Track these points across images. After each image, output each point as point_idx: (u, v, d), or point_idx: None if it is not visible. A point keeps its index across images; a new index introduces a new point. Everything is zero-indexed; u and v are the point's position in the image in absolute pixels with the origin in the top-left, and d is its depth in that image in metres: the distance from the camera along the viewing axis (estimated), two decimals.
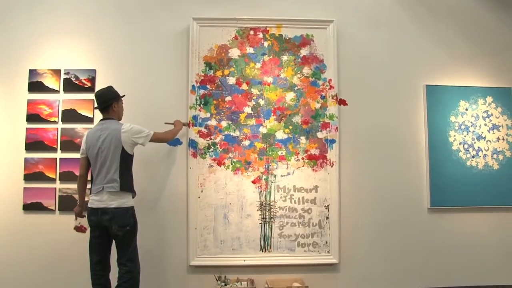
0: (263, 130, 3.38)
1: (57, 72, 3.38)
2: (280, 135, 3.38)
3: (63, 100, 3.37)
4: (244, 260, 3.27)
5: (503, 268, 3.50)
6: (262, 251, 3.30)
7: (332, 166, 3.37)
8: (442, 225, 3.48)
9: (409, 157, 3.50)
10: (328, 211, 3.35)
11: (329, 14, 3.53)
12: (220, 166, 3.33)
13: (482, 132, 3.56)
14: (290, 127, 3.39)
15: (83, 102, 3.36)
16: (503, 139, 3.58)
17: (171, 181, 3.31)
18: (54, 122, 3.34)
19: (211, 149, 3.34)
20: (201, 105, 3.36)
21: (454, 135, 3.53)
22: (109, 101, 2.92)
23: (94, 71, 3.40)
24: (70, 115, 3.35)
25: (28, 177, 3.29)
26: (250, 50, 3.43)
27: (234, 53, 3.42)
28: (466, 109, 3.56)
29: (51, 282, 3.22)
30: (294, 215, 3.34)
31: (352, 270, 3.37)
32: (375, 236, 3.42)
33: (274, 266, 3.28)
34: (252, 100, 3.39)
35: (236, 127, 3.37)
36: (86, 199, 2.95)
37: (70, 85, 3.38)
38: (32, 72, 3.37)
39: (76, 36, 3.42)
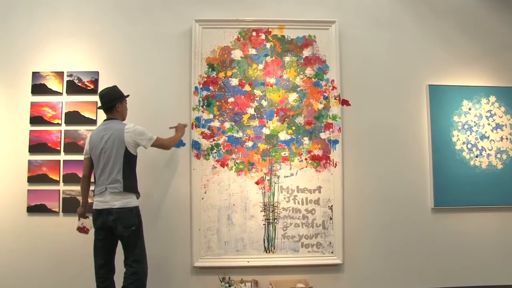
0: (266, 131, 3.38)
1: (60, 74, 3.39)
2: (283, 136, 3.38)
3: (66, 102, 3.38)
4: (248, 261, 3.27)
5: (507, 268, 3.49)
6: (266, 252, 3.30)
7: (335, 167, 3.37)
8: (445, 225, 3.47)
9: (412, 157, 3.49)
10: (332, 211, 3.35)
11: (331, 14, 3.53)
12: (224, 167, 3.33)
13: (486, 132, 3.55)
14: (293, 128, 3.39)
15: (86, 104, 3.37)
16: (507, 138, 3.57)
17: (174, 182, 3.31)
18: (58, 124, 3.35)
19: (214, 150, 3.34)
20: (204, 107, 3.37)
21: (458, 135, 3.52)
22: (113, 101, 2.89)
23: (97, 73, 3.41)
24: (73, 117, 3.36)
25: (31, 179, 3.29)
26: (252, 51, 3.43)
27: (237, 54, 3.42)
28: (469, 109, 3.56)
29: (55, 284, 3.23)
30: (298, 216, 3.34)
31: (356, 271, 3.37)
32: (379, 236, 3.41)
33: (278, 267, 3.28)
34: (255, 101, 3.40)
35: (239, 128, 3.37)
36: (89, 200, 2.95)
37: (73, 87, 3.38)
38: (35, 75, 3.38)
39: (78, 38, 3.43)
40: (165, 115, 3.35)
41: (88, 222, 2.87)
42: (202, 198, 3.30)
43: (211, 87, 3.39)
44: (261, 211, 3.32)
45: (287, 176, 3.36)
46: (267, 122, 3.39)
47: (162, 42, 3.45)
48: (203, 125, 3.35)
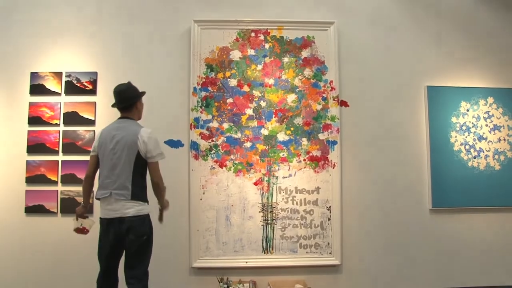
0: (264, 132, 3.38)
1: (58, 74, 3.39)
2: (282, 136, 3.39)
3: (65, 102, 3.37)
4: (246, 262, 3.27)
5: (505, 269, 3.50)
6: (264, 253, 3.30)
7: (333, 168, 3.38)
8: (444, 226, 3.48)
9: (410, 158, 3.50)
10: (330, 212, 3.35)
11: (330, 15, 3.53)
12: (222, 168, 3.33)
13: (484, 133, 3.56)
14: (292, 129, 3.40)
15: (84, 104, 3.37)
16: (504, 139, 3.58)
17: (173, 183, 3.29)
18: (56, 124, 3.35)
19: (213, 151, 3.34)
20: (203, 107, 3.37)
21: (456, 136, 3.53)
22: (133, 99, 2.68)
23: (96, 73, 3.40)
24: (72, 118, 3.35)
25: (30, 180, 3.29)
26: (251, 52, 3.44)
27: (236, 55, 3.43)
28: (467, 110, 3.57)
29: (54, 284, 3.23)
30: (296, 217, 3.34)
31: (354, 271, 3.37)
32: (377, 237, 3.42)
33: (276, 267, 3.29)
34: (254, 102, 3.40)
35: (238, 129, 3.37)
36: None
37: (72, 88, 3.38)
38: (34, 75, 3.37)
39: (77, 39, 3.43)
40: (164, 115, 3.35)
41: (88, 222, 2.77)
42: (201, 199, 3.30)
43: (209, 88, 3.39)
44: (259, 211, 3.33)
45: (286, 177, 3.36)
46: (266, 122, 3.39)
47: (161, 42, 3.45)
48: (202, 125, 3.35)
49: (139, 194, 2.58)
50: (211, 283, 3.21)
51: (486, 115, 3.58)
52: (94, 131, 3.32)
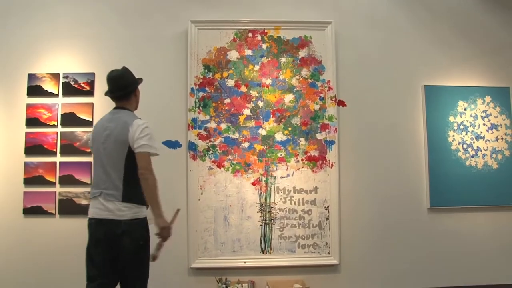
0: (262, 132, 3.38)
1: (56, 76, 3.38)
2: (280, 136, 3.39)
3: (62, 104, 3.37)
4: (245, 262, 3.27)
5: (503, 268, 3.51)
6: (263, 253, 3.30)
7: (331, 167, 3.38)
8: (442, 225, 3.48)
9: (408, 158, 3.50)
10: (328, 212, 3.35)
11: (327, 15, 3.54)
12: (220, 168, 3.33)
13: (481, 132, 3.57)
14: (290, 129, 3.40)
15: (82, 105, 3.36)
16: (502, 138, 3.59)
17: (171, 183, 3.31)
18: (54, 126, 3.34)
19: (211, 152, 3.34)
20: (200, 108, 3.37)
21: (453, 135, 3.53)
22: (130, 87, 2.43)
23: (93, 74, 3.40)
24: (69, 119, 3.35)
25: (28, 181, 3.29)
26: (248, 52, 3.44)
27: (233, 55, 3.42)
28: (465, 109, 3.57)
29: (52, 286, 3.22)
30: (294, 217, 3.35)
31: (353, 271, 3.38)
32: (375, 236, 3.42)
33: (275, 267, 3.29)
34: (251, 102, 3.40)
35: (236, 129, 3.37)
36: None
37: (69, 89, 3.38)
38: (31, 76, 3.37)
39: (74, 40, 3.42)
40: (161, 116, 3.35)
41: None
42: (199, 199, 3.30)
43: (207, 88, 3.39)
44: (257, 212, 3.33)
45: (284, 177, 3.37)
46: (263, 123, 3.39)
47: (158, 43, 3.45)
48: (199, 126, 3.35)
49: (132, 195, 2.30)
50: (209, 284, 3.21)
51: (483, 114, 3.59)
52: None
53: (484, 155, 3.55)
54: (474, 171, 3.52)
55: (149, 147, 2.32)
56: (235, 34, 3.44)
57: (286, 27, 3.47)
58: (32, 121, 3.34)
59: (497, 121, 3.60)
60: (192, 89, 3.37)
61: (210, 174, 3.32)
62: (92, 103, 3.37)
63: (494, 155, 3.56)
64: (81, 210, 3.19)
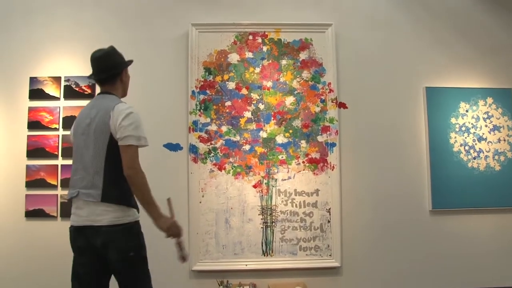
0: (263, 134, 3.38)
1: (57, 79, 3.40)
2: (281, 139, 3.38)
3: (64, 107, 3.38)
4: (246, 265, 3.27)
5: (506, 270, 3.48)
6: (264, 255, 3.30)
7: (332, 170, 3.37)
8: (444, 227, 3.47)
9: (410, 160, 3.49)
10: (330, 214, 3.34)
11: (328, 17, 3.53)
12: (221, 171, 3.34)
13: (483, 134, 3.55)
14: (290, 131, 3.39)
15: None
16: (504, 140, 3.57)
17: (172, 186, 3.31)
18: (55, 129, 3.36)
19: (212, 154, 3.34)
20: (201, 110, 3.37)
21: (455, 137, 3.52)
22: (116, 68, 2.13)
23: None
24: (71, 122, 3.29)
25: (29, 184, 3.30)
26: (249, 54, 3.44)
27: (233, 58, 3.43)
28: (467, 111, 3.56)
29: None
30: (296, 219, 3.34)
31: (354, 274, 3.37)
32: (377, 239, 3.41)
33: (276, 270, 3.28)
34: (252, 105, 3.40)
35: (237, 131, 3.37)
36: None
37: (71, 92, 3.39)
38: (33, 80, 3.39)
39: (76, 43, 3.44)
40: (162, 119, 3.36)
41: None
42: (200, 202, 3.30)
43: (208, 91, 3.39)
44: (258, 214, 3.32)
45: (285, 179, 3.36)
46: (264, 125, 3.39)
47: (159, 46, 3.46)
48: (200, 129, 3.36)
49: (114, 195, 1.94)
50: (211, 286, 3.21)
51: (485, 116, 3.57)
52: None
53: (486, 156, 3.53)
54: (477, 173, 3.50)
55: (135, 139, 1.95)
56: (235, 36, 3.44)
57: (286, 29, 3.47)
58: (33, 124, 3.35)
59: (499, 123, 3.58)
60: (193, 92, 3.37)
61: (211, 176, 3.32)
62: None
63: (496, 157, 3.54)
64: None
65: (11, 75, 3.40)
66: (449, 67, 3.61)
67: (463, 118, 3.54)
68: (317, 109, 3.42)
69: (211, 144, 3.35)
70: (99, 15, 3.48)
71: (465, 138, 3.52)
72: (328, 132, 3.41)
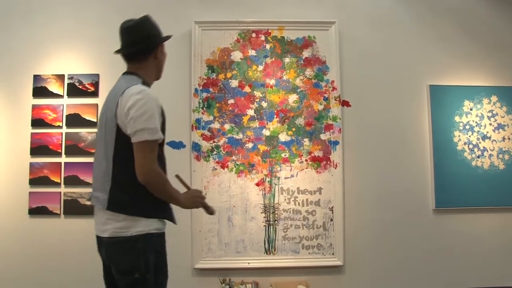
0: (266, 132, 3.37)
1: (61, 77, 3.41)
2: (283, 137, 3.38)
3: (67, 104, 3.39)
4: (249, 263, 3.27)
5: (509, 269, 3.46)
6: (267, 254, 3.29)
7: (335, 168, 3.36)
8: (447, 226, 3.45)
9: (413, 158, 3.48)
10: (332, 213, 3.34)
11: (331, 15, 3.52)
12: (224, 169, 3.33)
13: (487, 132, 3.53)
14: (293, 129, 3.39)
15: (87, 106, 3.38)
16: (509, 138, 3.54)
17: (174, 184, 3.30)
18: (59, 126, 3.37)
19: (215, 152, 3.34)
20: (204, 108, 3.37)
21: (459, 135, 3.50)
22: (148, 42, 1.74)
23: (98, 75, 3.42)
24: (74, 120, 3.37)
25: (33, 182, 3.31)
26: (252, 52, 3.43)
27: (237, 55, 3.42)
28: (471, 109, 3.54)
29: (57, 286, 3.24)
30: (298, 217, 3.34)
31: (357, 272, 3.36)
32: (379, 237, 3.40)
33: (279, 268, 3.28)
34: (255, 103, 3.39)
35: (239, 129, 3.37)
36: None
37: (74, 90, 3.40)
38: (36, 78, 3.40)
39: (79, 41, 3.44)
40: (165, 117, 3.35)
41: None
42: None
43: (211, 89, 3.39)
44: (261, 212, 3.32)
45: (288, 178, 3.36)
46: (267, 123, 3.38)
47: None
48: (203, 127, 3.35)
49: (121, 202, 1.61)
50: (213, 284, 3.21)
51: (490, 114, 3.55)
52: (96, 133, 3.33)
53: (490, 155, 3.51)
54: (481, 172, 3.48)
55: (149, 132, 1.58)
56: (238, 34, 3.44)
57: (289, 27, 3.46)
58: (37, 122, 3.36)
59: (504, 121, 3.55)
60: (196, 89, 3.37)
61: (214, 174, 3.32)
62: (97, 104, 3.38)
63: (500, 156, 3.52)
64: (86, 211, 3.21)
65: (15, 73, 3.41)
66: (453, 65, 3.59)
67: (467, 117, 3.52)
68: (320, 107, 3.41)
69: (214, 142, 3.35)
70: (102, 13, 3.48)
71: (469, 136, 3.50)
72: (331, 130, 3.40)
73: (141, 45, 1.76)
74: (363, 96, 3.49)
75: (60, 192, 3.31)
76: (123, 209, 1.61)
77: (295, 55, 3.45)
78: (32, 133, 3.36)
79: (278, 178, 3.35)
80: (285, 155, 3.36)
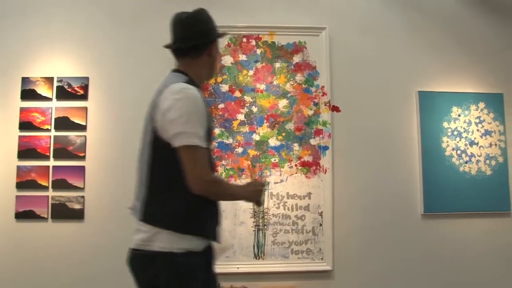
0: (256, 137, 3.38)
1: (50, 80, 3.38)
2: (273, 142, 3.39)
3: (56, 107, 3.36)
4: (238, 268, 3.26)
5: (497, 274, 3.50)
6: (256, 259, 3.29)
7: (325, 173, 3.37)
8: (435, 231, 3.48)
9: (402, 163, 3.50)
10: (322, 217, 3.35)
11: (322, 21, 3.54)
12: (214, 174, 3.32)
13: (475, 138, 3.57)
14: (283, 134, 3.40)
15: (76, 109, 3.36)
16: (496, 144, 3.59)
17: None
18: (47, 130, 3.33)
19: None
20: None
21: (447, 141, 3.53)
22: (206, 37, 1.62)
23: (87, 78, 3.40)
24: (63, 123, 3.34)
25: (20, 185, 3.27)
26: (243, 57, 3.44)
27: (227, 60, 3.43)
28: (459, 115, 3.58)
29: None
30: (288, 222, 3.34)
31: (346, 277, 3.36)
32: (368, 242, 3.41)
33: (268, 273, 3.28)
34: (245, 108, 3.40)
35: (229, 134, 3.37)
36: None
37: (63, 93, 3.37)
38: (25, 80, 3.36)
39: (69, 44, 3.42)
40: None
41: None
42: None
43: None
44: (250, 217, 3.32)
45: (277, 182, 3.36)
46: (257, 128, 3.39)
47: (153, 48, 3.42)
48: None
49: (154, 213, 1.49)
50: None
51: (477, 120, 3.59)
52: (85, 136, 3.32)
53: (478, 161, 3.55)
54: (468, 177, 3.52)
55: (189, 136, 1.43)
56: (229, 39, 3.44)
57: (280, 32, 3.47)
58: (25, 125, 3.32)
59: (491, 127, 3.60)
60: None
61: None
62: (86, 107, 3.36)
63: (487, 161, 3.56)
64: (74, 215, 3.20)
65: (3, 75, 3.37)
66: (442, 72, 3.63)
67: (455, 123, 3.56)
68: (310, 112, 3.43)
69: None
70: (93, 16, 3.46)
71: (457, 142, 3.54)
72: (321, 135, 3.41)
73: (197, 40, 1.61)
74: (353, 102, 3.51)
75: (48, 196, 3.28)
76: (155, 221, 1.47)
77: (286, 60, 3.46)
78: (19, 136, 3.32)
79: (268, 183, 3.35)
80: (274, 160, 3.37)
